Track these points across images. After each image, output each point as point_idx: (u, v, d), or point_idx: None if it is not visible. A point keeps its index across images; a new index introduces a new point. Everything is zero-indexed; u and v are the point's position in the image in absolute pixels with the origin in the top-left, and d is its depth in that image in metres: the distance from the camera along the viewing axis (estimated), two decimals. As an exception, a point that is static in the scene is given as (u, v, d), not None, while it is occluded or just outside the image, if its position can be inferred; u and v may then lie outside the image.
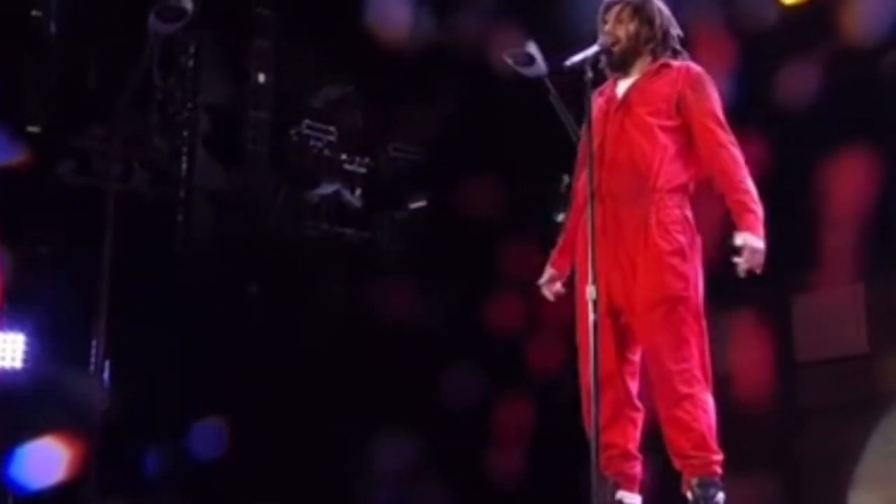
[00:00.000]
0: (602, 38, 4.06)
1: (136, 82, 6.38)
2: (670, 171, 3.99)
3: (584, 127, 3.97)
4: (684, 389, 3.90)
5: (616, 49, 4.04)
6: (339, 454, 6.60)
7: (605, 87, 4.14)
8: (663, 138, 3.99)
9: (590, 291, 3.75)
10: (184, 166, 7.02)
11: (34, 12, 7.04)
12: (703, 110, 4.01)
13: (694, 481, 3.89)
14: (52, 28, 6.99)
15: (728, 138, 3.99)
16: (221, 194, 7.22)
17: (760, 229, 3.88)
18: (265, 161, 7.29)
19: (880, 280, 6.46)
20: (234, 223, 7.09)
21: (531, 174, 6.85)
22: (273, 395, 6.37)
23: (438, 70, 7.12)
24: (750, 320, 6.61)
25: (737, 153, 3.98)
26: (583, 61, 3.91)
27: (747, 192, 3.93)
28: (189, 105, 7.16)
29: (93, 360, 5.20)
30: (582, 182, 4.10)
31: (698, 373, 3.93)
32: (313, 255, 7.22)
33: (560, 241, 4.27)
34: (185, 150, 7.06)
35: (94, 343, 5.16)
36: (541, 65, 5.34)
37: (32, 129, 6.87)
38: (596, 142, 3.92)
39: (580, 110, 3.95)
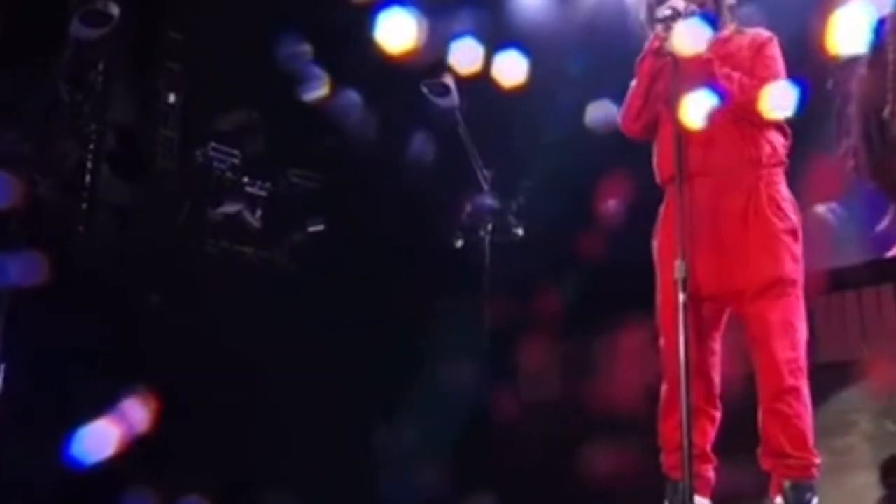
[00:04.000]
0: (670, 4, 3.87)
1: (48, 91, 6.47)
2: (771, 143, 3.86)
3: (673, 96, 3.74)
4: (791, 381, 3.65)
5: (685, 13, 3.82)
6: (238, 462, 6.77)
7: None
8: None
9: (678, 267, 3.46)
10: (87, 178, 7.11)
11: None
12: (764, 75, 3.85)
13: (787, 484, 3.59)
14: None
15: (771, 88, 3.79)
16: (125, 208, 7.33)
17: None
18: (170, 179, 7.46)
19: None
20: (138, 237, 7.21)
21: (432, 202, 7.20)
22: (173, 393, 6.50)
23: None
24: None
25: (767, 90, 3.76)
26: (673, 15, 3.77)
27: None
28: (97, 120, 7.27)
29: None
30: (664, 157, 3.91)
31: (803, 363, 3.71)
32: (213, 271, 7.39)
33: None
34: (89, 164, 7.16)
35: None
36: (454, 96, 5.72)
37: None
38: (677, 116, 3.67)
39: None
